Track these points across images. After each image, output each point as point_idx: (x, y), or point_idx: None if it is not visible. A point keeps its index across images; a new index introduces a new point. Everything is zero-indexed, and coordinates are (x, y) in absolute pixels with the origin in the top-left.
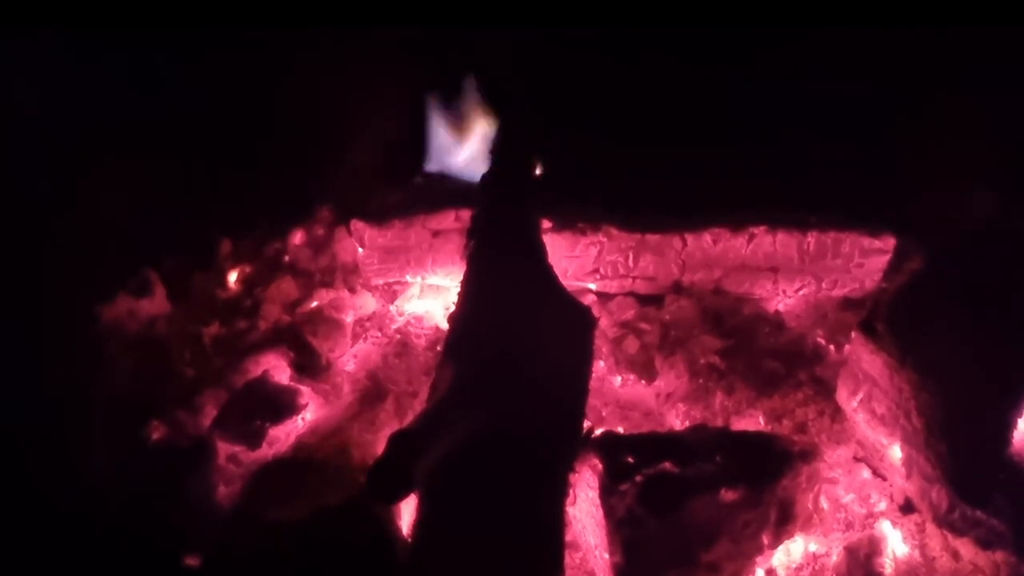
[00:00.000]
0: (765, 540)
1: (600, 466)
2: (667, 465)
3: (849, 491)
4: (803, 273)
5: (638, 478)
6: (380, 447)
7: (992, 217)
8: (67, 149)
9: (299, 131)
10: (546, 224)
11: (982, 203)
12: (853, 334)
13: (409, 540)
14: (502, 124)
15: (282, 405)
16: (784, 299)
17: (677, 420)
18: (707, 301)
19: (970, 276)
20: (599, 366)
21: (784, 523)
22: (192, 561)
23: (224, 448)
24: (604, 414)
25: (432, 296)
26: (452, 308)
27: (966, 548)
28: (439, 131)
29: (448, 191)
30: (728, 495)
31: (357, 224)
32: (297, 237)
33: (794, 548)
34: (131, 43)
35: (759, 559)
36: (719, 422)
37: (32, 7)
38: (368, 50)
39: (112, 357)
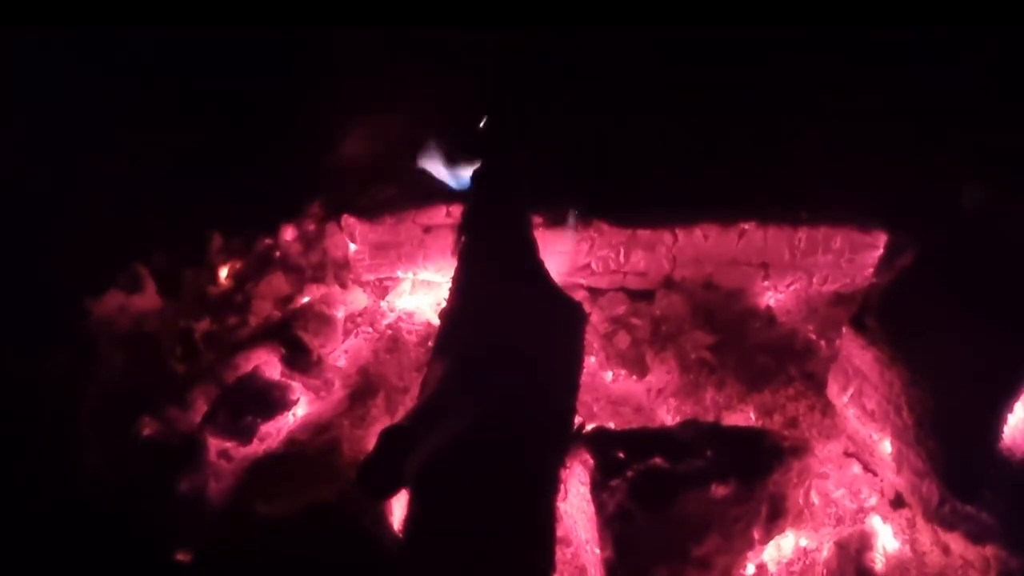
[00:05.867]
0: (756, 535)
1: (591, 461)
2: (658, 460)
3: (839, 486)
4: (794, 268)
5: (629, 473)
6: (371, 443)
7: (982, 214)
8: (58, 145)
9: (289, 126)
10: (537, 219)
11: (973, 200)
12: (844, 329)
13: (400, 536)
14: (494, 120)
15: (273, 401)
16: (775, 294)
17: (668, 415)
18: (698, 296)
19: (960, 272)
20: (590, 361)
21: (775, 518)
22: (183, 557)
23: (215, 444)
24: (595, 409)
25: (423, 292)
26: (443, 304)
27: (956, 543)
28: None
29: (439, 187)
30: (719, 490)
31: (348, 219)
32: (288, 233)
33: (785, 543)
34: (122, 40)
35: (750, 554)
36: (710, 417)
37: (32, 7)
38: (360, 47)
39: (103, 353)
